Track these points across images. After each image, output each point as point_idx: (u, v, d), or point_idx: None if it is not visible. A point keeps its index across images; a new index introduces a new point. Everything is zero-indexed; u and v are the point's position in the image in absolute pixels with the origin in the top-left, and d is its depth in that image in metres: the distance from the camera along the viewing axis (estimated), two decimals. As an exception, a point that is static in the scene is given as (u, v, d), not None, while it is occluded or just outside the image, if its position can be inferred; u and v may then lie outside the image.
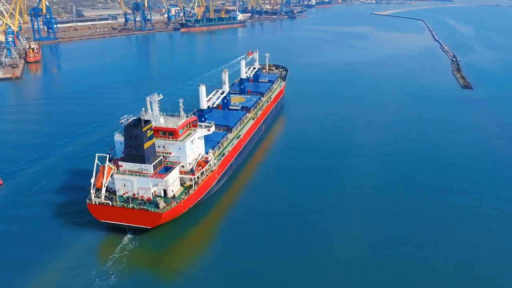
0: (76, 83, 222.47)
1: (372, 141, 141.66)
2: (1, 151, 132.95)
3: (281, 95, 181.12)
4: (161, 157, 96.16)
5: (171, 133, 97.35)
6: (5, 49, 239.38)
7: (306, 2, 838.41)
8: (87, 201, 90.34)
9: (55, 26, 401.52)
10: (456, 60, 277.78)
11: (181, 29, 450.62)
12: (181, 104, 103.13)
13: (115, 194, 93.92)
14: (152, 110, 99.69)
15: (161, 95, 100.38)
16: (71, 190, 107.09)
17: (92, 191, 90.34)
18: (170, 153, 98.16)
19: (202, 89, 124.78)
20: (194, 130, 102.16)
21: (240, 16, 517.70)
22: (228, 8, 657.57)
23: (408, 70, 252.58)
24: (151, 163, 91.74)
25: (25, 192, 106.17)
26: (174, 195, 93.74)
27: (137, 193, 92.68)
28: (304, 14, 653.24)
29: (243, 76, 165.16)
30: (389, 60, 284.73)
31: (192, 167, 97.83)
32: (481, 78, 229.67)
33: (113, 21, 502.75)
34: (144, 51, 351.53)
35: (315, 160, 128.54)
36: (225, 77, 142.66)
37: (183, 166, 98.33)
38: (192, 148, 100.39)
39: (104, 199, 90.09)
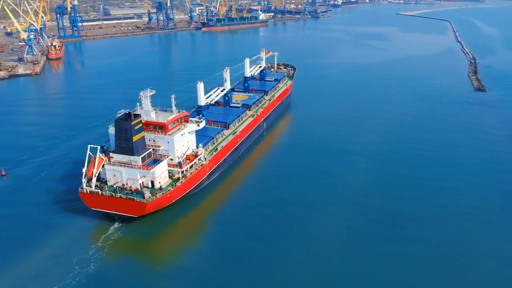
0: (94, 79, 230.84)
1: (372, 140, 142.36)
2: (9, 143, 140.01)
3: (287, 93, 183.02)
4: (151, 150, 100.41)
5: (161, 127, 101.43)
6: (27, 46, 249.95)
7: (332, 2, 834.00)
8: (79, 189, 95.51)
9: (81, 24, 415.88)
10: (475, 62, 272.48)
11: (202, 29, 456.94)
12: (173, 100, 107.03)
13: (107, 184, 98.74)
14: (144, 105, 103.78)
15: (153, 90, 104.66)
16: (71, 179, 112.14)
17: (84, 180, 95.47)
18: (159, 146, 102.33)
19: (200, 86, 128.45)
20: (184, 125, 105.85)
21: (262, 16, 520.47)
22: (253, 7, 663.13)
23: (423, 72, 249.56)
24: (139, 155, 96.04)
25: (26, 182, 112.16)
26: (161, 186, 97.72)
27: (126, 184, 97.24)
28: (328, 14, 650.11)
29: (247, 74, 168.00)
30: (406, 61, 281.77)
31: (180, 161, 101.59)
32: (497, 81, 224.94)
33: (137, 20, 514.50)
34: (164, 50, 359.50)
35: (313, 158, 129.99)
36: (227, 75, 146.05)
37: (171, 159, 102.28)
38: (182, 142, 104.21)
39: (95, 188, 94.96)
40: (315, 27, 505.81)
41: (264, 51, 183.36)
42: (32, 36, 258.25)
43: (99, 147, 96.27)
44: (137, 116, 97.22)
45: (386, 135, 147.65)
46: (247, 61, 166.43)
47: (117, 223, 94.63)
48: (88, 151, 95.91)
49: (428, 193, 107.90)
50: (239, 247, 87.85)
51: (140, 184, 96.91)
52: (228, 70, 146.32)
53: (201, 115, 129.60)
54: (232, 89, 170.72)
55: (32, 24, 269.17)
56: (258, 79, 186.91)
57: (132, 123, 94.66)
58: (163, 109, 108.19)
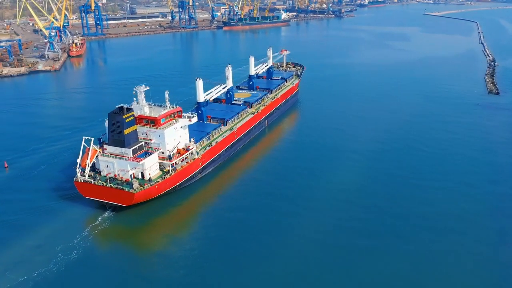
0: (111, 75, 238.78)
1: (372, 140, 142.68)
2: (17, 134, 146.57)
3: (293, 92, 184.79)
4: (142, 143, 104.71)
5: (153, 121, 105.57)
6: (48, 44, 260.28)
7: (358, 1, 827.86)
8: (74, 178, 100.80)
9: (106, 22, 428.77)
10: (494, 64, 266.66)
11: (223, 28, 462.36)
12: (166, 96, 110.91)
13: (100, 174, 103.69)
14: (138, 100, 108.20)
15: (147, 86, 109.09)
16: (72, 170, 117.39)
17: (78, 170, 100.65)
18: (151, 140, 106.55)
19: (199, 83, 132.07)
20: (177, 120, 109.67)
21: (284, 15, 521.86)
22: (277, 7, 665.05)
23: (438, 73, 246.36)
24: (130, 148, 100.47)
25: (28, 172, 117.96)
26: (150, 178, 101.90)
27: (118, 174, 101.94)
28: (352, 14, 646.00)
29: (252, 73, 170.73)
30: (422, 62, 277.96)
31: (170, 154, 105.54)
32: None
33: (162, 19, 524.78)
34: (183, 48, 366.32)
35: (312, 156, 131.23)
36: (229, 73, 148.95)
37: (162, 153, 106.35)
38: (174, 136, 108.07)
39: (88, 178, 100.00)
40: (337, 27, 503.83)
41: (271, 50, 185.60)
42: (53, 34, 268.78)
43: (92, 139, 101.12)
44: (129, 110, 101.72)
45: (387, 135, 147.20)
46: (251, 59, 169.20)
47: (107, 212, 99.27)
48: (83, 143, 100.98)
49: (420, 192, 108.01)
50: (226, 239, 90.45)
51: (131, 175, 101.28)
52: (230, 68, 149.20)
53: (200, 111, 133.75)
54: (237, 87, 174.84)
55: (54, 22, 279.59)
56: (265, 78, 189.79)
57: (124, 116, 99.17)
58: (159, 104, 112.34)
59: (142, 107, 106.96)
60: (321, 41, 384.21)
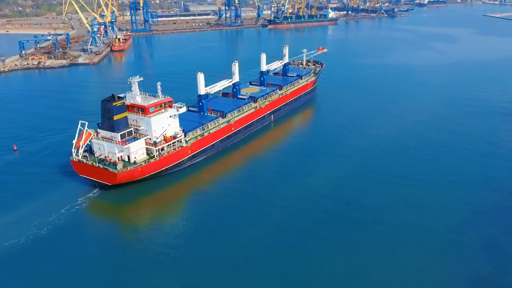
0: (147, 69, 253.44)
1: (371, 140, 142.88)
2: (32, 122, 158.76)
3: (307, 89, 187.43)
4: (132, 129, 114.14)
5: (142, 109, 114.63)
6: (91, 38, 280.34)
7: (417, 1, 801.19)
8: (70, 158, 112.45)
9: (156, 19, 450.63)
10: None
11: (268, 26, 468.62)
12: (158, 87, 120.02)
13: (94, 155, 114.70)
14: (132, 89, 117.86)
15: (141, 77, 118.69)
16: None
17: (73, 150, 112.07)
18: (140, 126, 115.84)
19: (201, 76, 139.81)
20: (166, 109, 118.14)
21: (331, 14, 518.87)
22: (331, 5, 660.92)
23: (470, 77, 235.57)
24: (118, 132, 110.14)
25: (34, 154, 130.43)
26: (135, 161, 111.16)
27: (107, 156, 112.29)
28: (406, 13, 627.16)
29: (263, 69, 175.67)
30: (460, 66, 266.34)
31: (156, 140, 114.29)
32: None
33: (212, 16, 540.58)
34: (221, 45, 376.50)
35: (311, 154, 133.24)
36: (235, 68, 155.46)
37: (150, 139, 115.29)
38: (161, 124, 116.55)
39: (82, 158, 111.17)
40: (387, 26, 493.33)
41: (287, 48, 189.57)
42: (95, 29, 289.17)
43: (86, 122, 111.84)
44: (120, 98, 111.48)
45: (387, 137, 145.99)
46: (263, 56, 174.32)
47: (96, 190, 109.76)
48: (79, 126, 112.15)
49: (402, 190, 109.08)
50: (209, 221, 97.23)
51: (119, 157, 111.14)
52: (236, 64, 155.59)
53: (201, 103, 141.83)
54: (250, 83, 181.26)
55: (96, 18, 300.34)
56: (281, 74, 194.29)
57: (114, 104, 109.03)
58: (153, 95, 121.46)
59: (135, 96, 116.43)
60: (363, 41, 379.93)
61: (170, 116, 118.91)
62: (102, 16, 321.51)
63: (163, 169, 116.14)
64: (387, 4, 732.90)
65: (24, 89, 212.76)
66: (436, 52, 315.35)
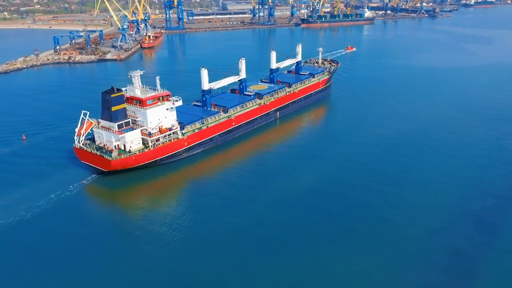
0: (170, 66, 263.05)
1: (371, 141, 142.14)
2: (44, 114, 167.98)
3: (318, 88, 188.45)
4: (129, 119, 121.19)
5: (139, 102, 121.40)
6: (121, 35, 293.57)
7: (463, 1, 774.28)
8: (73, 145, 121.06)
9: (191, 17, 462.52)
10: None
11: (301, 25, 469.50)
12: (157, 81, 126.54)
13: (95, 143, 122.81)
14: (134, 82, 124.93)
15: (142, 71, 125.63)
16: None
17: (76, 138, 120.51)
18: (137, 118, 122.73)
19: (204, 72, 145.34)
20: (163, 102, 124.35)
21: (368, 13, 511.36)
22: (372, 5, 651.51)
23: (496, 81, 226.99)
24: (116, 123, 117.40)
25: (41, 144, 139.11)
26: (130, 150, 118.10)
27: (106, 144, 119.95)
28: (448, 14, 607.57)
29: (273, 66, 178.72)
30: (489, 68, 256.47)
31: (150, 131, 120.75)
32: None
33: (247, 15, 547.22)
34: (250, 43, 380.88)
35: (311, 152, 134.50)
36: (242, 65, 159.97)
37: (146, 130, 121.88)
38: (158, 116, 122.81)
39: (83, 145, 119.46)
40: (425, 27, 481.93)
41: (300, 46, 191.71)
42: (125, 26, 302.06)
43: (88, 112, 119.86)
44: (119, 90, 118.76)
45: (391, 139, 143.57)
46: (273, 54, 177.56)
47: (94, 175, 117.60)
48: (82, 115, 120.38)
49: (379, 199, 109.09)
50: (200, 208, 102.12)
51: (115, 146, 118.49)
52: (243, 61, 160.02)
53: (204, 98, 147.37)
54: (261, 80, 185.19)
55: (127, 16, 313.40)
56: (294, 73, 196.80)
57: (112, 95, 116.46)
58: (153, 88, 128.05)
59: (134, 89, 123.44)
60: (395, 41, 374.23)
61: (167, 109, 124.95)
62: (135, 14, 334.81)
63: (157, 159, 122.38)
64: (431, 4, 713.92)
65: (47, 82, 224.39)
66: (467, 54, 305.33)
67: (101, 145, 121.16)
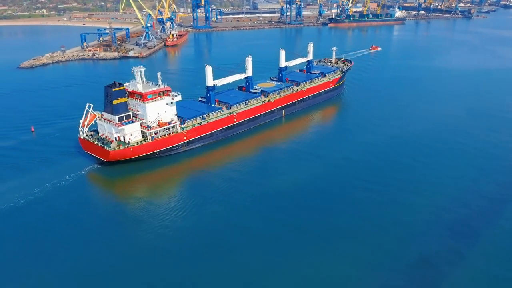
0: (190, 63, 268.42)
1: (373, 142, 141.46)
2: (51, 109, 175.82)
3: (328, 87, 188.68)
4: (130, 113, 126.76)
5: (140, 96, 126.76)
6: (144, 33, 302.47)
7: (503, 2, 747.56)
8: (78, 135, 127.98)
9: (220, 16, 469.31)
10: None
11: (329, 24, 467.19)
12: (159, 77, 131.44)
13: (98, 134, 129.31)
14: (136, 78, 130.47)
15: (144, 67, 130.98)
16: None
17: (80, 129, 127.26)
18: (138, 111, 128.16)
19: (209, 69, 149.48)
20: (163, 97, 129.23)
21: (398, 13, 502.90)
22: (406, 5, 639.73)
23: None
24: (116, 115, 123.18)
25: (49, 134, 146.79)
26: (129, 142, 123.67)
27: (107, 136, 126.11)
28: (485, 15, 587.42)
29: (282, 65, 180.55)
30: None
31: (149, 124, 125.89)
32: None
33: (276, 14, 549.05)
34: (272, 42, 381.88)
35: (311, 151, 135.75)
36: (248, 63, 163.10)
37: (145, 123, 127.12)
38: (157, 110, 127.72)
39: (86, 136, 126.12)
40: (458, 28, 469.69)
41: (311, 45, 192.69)
42: (149, 24, 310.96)
43: (92, 105, 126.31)
44: (120, 85, 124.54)
45: (394, 143, 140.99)
46: (282, 52, 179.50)
47: (95, 165, 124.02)
48: (86, 108, 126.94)
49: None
50: (194, 200, 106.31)
51: (116, 137, 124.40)
52: (250, 59, 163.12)
53: (208, 94, 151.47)
54: (271, 78, 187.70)
55: (150, 14, 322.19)
56: (305, 71, 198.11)
57: (113, 90, 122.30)
58: (155, 83, 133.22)
59: (136, 84, 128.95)
60: (425, 42, 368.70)
61: (166, 104, 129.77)
62: (161, 12, 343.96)
63: (156, 151, 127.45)
64: (468, 5, 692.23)
65: (69, 77, 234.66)
66: (493, 57, 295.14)
67: (103, 136, 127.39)
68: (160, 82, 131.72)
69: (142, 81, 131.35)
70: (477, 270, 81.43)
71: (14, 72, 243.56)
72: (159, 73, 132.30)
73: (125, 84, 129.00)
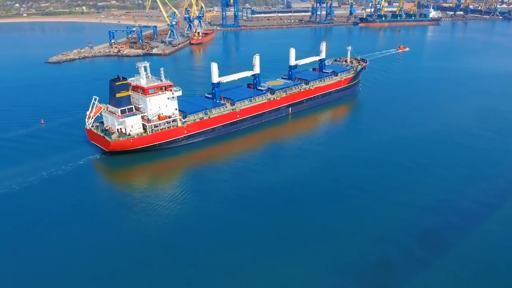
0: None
1: (377, 146, 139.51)
2: (62, 103, 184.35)
3: (340, 86, 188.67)
4: (133, 106, 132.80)
5: (142, 90, 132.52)
6: (170, 31, 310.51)
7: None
8: (85, 126, 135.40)
9: (250, 15, 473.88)
10: None
11: (359, 24, 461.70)
12: (162, 72, 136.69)
13: (103, 125, 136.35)
14: (140, 72, 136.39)
15: (148, 62, 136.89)
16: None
17: (86, 120, 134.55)
18: (140, 105, 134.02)
19: (214, 66, 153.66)
20: (164, 92, 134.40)
21: (433, 13, 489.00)
22: (445, 5, 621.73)
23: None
24: (119, 108, 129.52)
25: (58, 127, 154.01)
26: (130, 134, 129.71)
27: (110, 127, 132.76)
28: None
29: (292, 63, 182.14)
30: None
31: (149, 118, 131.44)
32: None
33: (307, 13, 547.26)
34: (300, 41, 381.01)
35: (312, 148, 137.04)
36: (256, 60, 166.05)
37: (146, 116, 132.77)
38: (158, 104, 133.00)
39: (91, 127, 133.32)
40: (495, 30, 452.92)
41: (324, 44, 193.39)
42: (174, 23, 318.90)
43: (97, 98, 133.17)
44: (124, 79, 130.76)
45: (395, 146, 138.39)
46: (292, 51, 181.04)
47: (98, 154, 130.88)
48: (93, 100, 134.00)
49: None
50: (191, 191, 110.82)
51: (118, 129, 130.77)
52: (257, 57, 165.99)
53: (213, 91, 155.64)
54: (282, 77, 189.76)
55: (176, 12, 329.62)
56: (318, 70, 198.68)
57: (117, 83, 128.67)
58: (158, 78, 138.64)
59: (139, 79, 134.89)
60: (458, 43, 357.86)
61: (168, 98, 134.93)
62: (188, 11, 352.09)
63: (156, 143, 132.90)
64: (511, 6, 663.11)
65: (93, 71, 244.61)
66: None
67: (107, 128, 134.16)
68: (163, 77, 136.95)
69: (147, 76, 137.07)
70: (445, 271, 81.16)
71: (41, 67, 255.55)
72: (162, 69, 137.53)
73: (130, 79, 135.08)
